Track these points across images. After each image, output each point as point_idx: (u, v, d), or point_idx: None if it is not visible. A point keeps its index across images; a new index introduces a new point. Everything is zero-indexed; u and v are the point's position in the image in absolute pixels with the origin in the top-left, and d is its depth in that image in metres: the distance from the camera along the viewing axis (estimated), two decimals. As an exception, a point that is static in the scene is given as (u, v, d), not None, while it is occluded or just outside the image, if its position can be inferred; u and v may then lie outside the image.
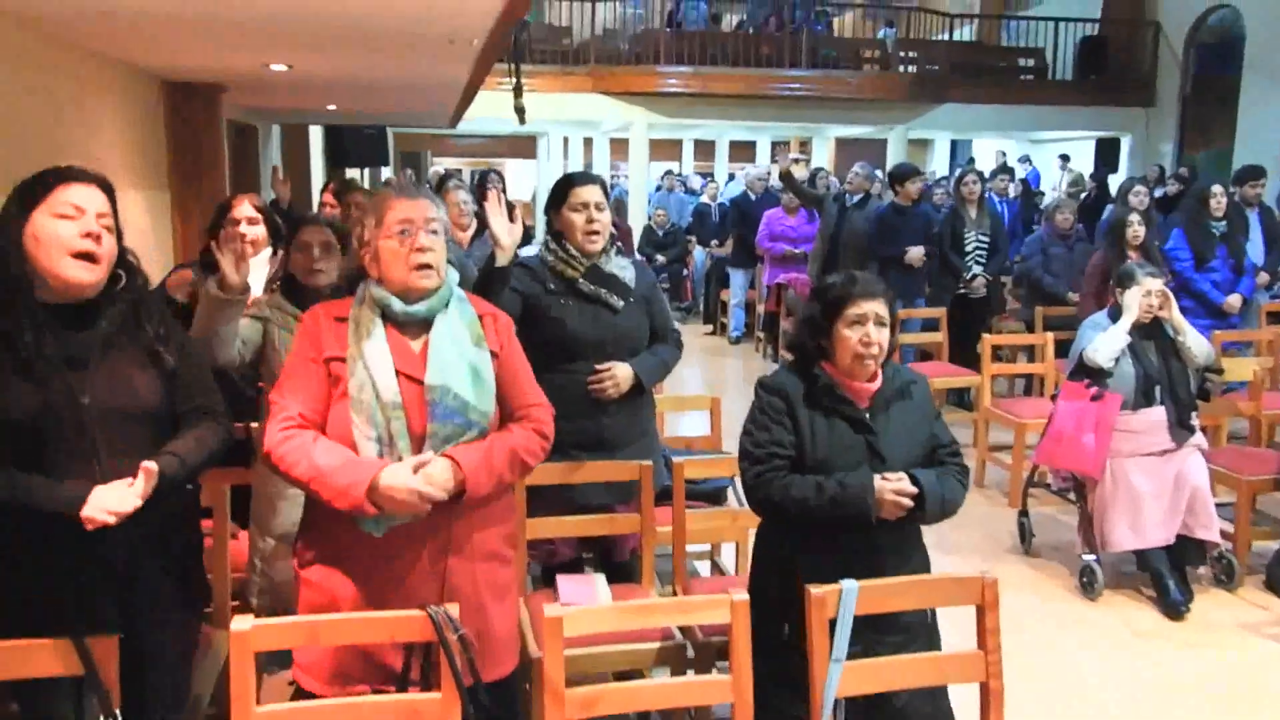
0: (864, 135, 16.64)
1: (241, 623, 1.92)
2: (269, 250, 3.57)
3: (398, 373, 2.09)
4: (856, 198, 7.75)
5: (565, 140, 18.80)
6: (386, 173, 15.74)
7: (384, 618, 1.98)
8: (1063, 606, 4.12)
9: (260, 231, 3.56)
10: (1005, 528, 4.84)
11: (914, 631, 2.32)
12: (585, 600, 2.77)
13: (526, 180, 22.02)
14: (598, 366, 3.04)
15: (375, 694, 2.06)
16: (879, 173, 11.70)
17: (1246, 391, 5.23)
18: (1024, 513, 4.73)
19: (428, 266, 2.13)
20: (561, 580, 2.93)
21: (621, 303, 3.11)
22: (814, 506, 2.30)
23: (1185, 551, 4.10)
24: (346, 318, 2.17)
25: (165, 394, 2.11)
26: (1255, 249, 6.94)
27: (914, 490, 2.32)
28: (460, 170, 21.18)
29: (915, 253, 6.76)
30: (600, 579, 2.97)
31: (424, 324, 2.17)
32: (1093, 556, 4.17)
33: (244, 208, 3.56)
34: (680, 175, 15.80)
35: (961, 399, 6.97)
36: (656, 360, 3.19)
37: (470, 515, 2.13)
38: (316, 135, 11.46)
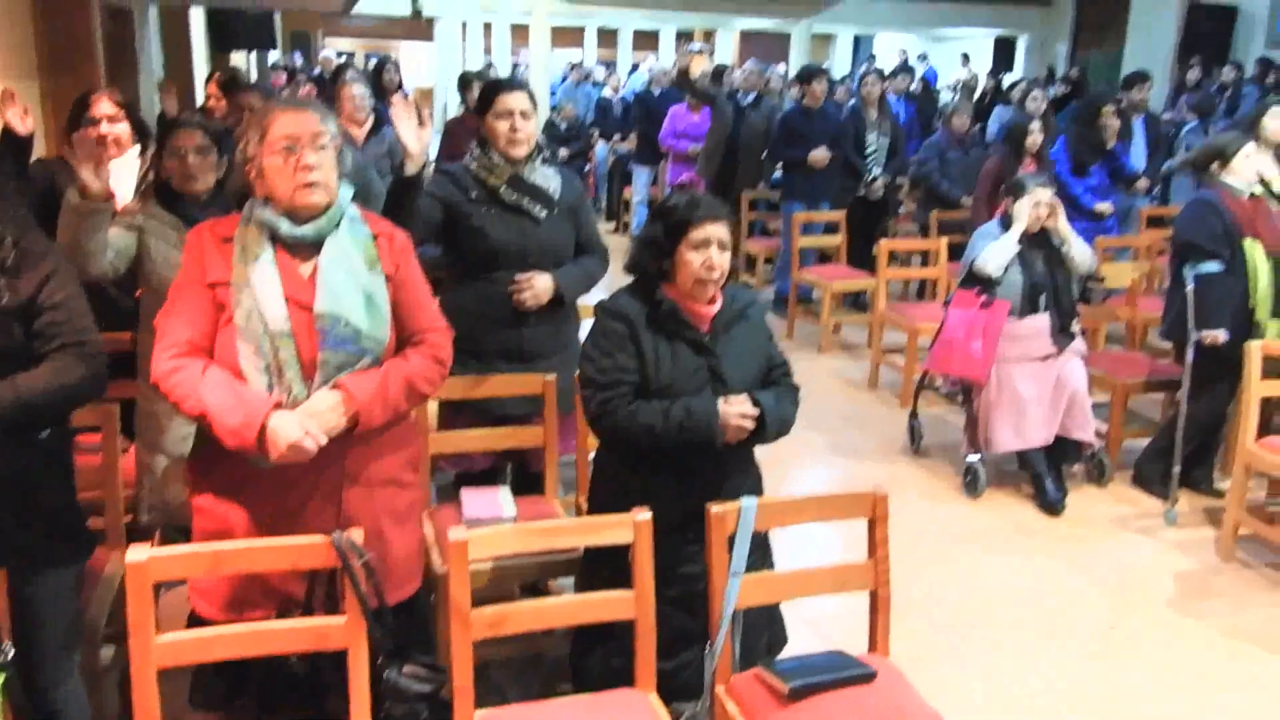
0: (769, 29, 16.45)
1: (138, 553, 1.88)
2: (136, 149, 3.33)
3: (286, 299, 2.03)
4: (751, 96, 7.70)
5: (464, 26, 18.12)
6: (274, 56, 14.99)
7: (287, 545, 1.97)
8: (948, 504, 4.32)
9: (123, 130, 3.30)
10: (898, 429, 5.01)
11: (755, 542, 2.37)
12: (488, 513, 2.80)
13: (424, 67, 21.22)
14: (518, 276, 3.04)
15: (278, 619, 2.06)
16: (780, 69, 11.63)
17: (1125, 297, 5.46)
18: (914, 414, 4.90)
19: (314, 184, 2.05)
20: (466, 494, 2.95)
21: (545, 213, 3.09)
22: (661, 433, 2.32)
23: (1062, 451, 4.32)
24: (233, 238, 2.08)
25: (10, 331, 1.95)
26: (1138, 155, 7.17)
27: (756, 412, 2.36)
28: (353, 56, 20.29)
29: (819, 154, 6.77)
30: (505, 490, 3.00)
31: (314, 246, 2.09)
32: (977, 457, 4.37)
33: (103, 105, 3.29)
34: (585, 68, 15.42)
35: (858, 301, 7.12)
36: (580, 272, 3.19)
37: (366, 444, 2.11)
38: (198, 17, 10.81)
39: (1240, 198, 4.09)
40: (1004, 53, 16.10)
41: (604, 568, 2.37)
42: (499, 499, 2.93)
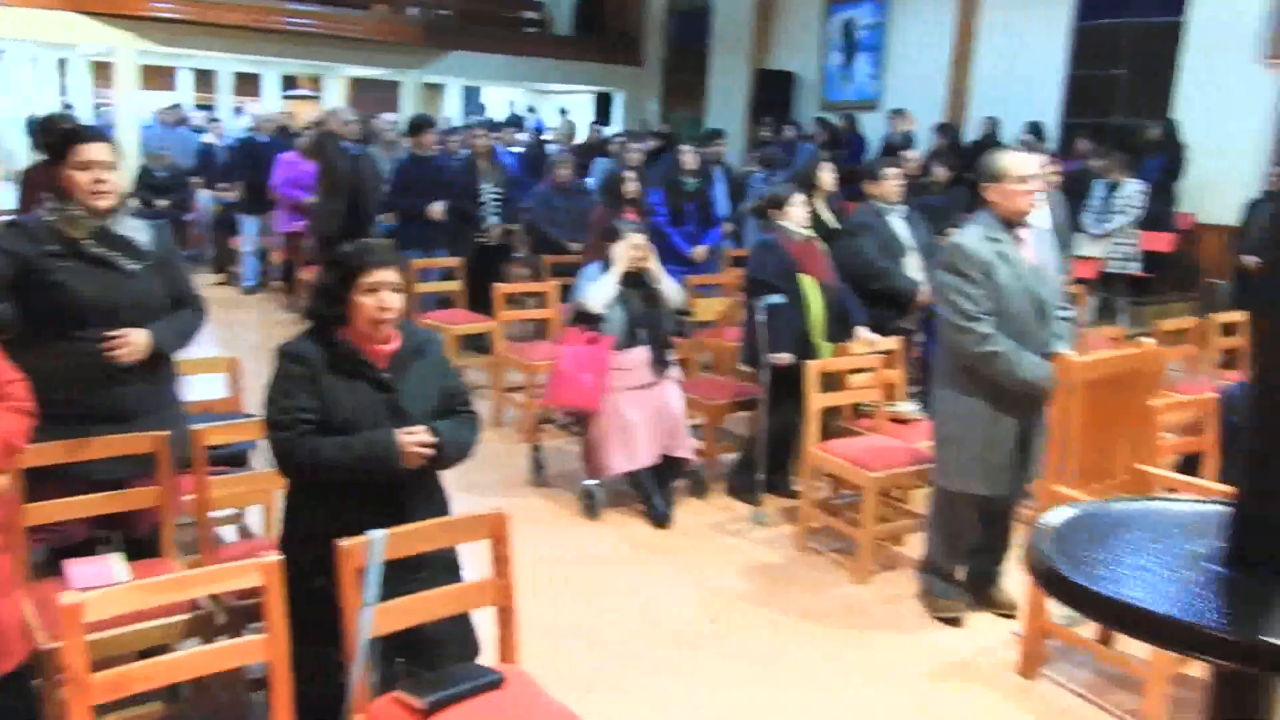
0: (378, 77, 16.47)
1: None
2: None
3: None
4: (357, 147, 7.76)
5: (34, 61, 16.39)
6: None
7: None
8: (571, 528, 4.63)
9: None
10: (521, 462, 5.28)
11: (437, 567, 2.55)
12: (99, 582, 2.66)
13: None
14: (108, 333, 2.90)
15: None
16: (391, 118, 11.69)
17: (713, 328, 6.14)
18: (536, 447, 5.20)
19: None
20: (69, 566, 2.76)
21: (135, 266, 2.97)
22: (343, 466, 2.45)
23: (667, 469, 4.79)
24: None
25: None
26: (721, 203, 8.08)
27: (434, 440, 2.54)
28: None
29: (437, 207, 6.98)
30: (116, 557, 2.85)
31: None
32: (594, 481, 4.73)
33: None
34: (180, 111, 14.53)
35: (481, 344, 7.35)
36: (177, 325, 3.11)
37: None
38: None
39: (794, 239, 4.80)
40: (604, 107, 17.30)
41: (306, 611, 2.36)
42: (110, 566, 2.77)
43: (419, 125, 7.36)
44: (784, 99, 13.46)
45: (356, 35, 13.99)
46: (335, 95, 16.99)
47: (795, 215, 4.82)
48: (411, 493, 2.59)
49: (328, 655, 2.31)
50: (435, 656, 2.49)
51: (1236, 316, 5.96)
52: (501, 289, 6.03)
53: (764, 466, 4.77)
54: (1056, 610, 3.61)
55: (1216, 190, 9.10)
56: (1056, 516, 1.10)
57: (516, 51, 15.59)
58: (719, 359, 6.12)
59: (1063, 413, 3.36)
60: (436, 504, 2.70)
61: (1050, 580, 0.98)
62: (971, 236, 3.63)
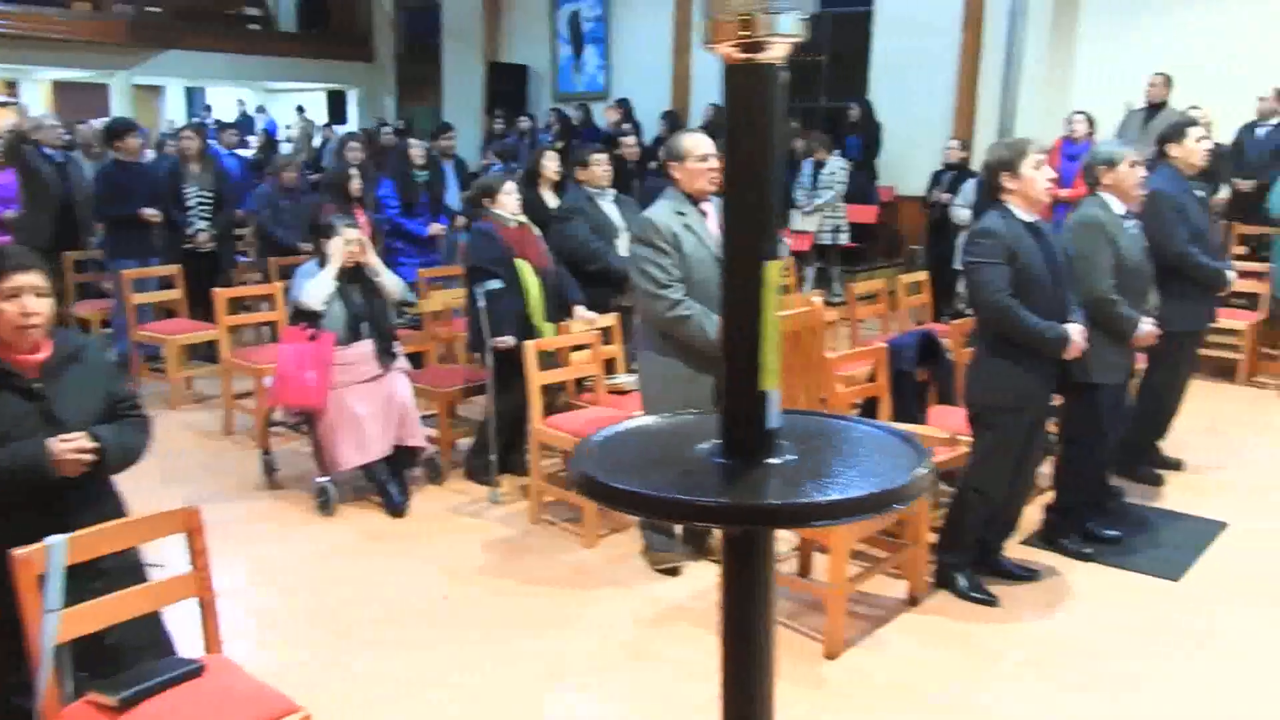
0: (83, 79, 15.37)
1: None
2: None
3: None
4: (60, 154, 7.32)
5: None
6: None
7: None
8: (306, 526, 4.62)
9: None
10: (255, 468, 5.19)
11: (117, 573, 2.51)
12: None
13: None
14: None
15: None
16: (99, 124, 10.99)
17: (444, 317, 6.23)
18: (267, 451, 5.13)
19: None
20: None
21: None
22: None
23: (402, 459, 4.86)
24: None
25: None
26: (453, 194, 8.17)
27: (94, 445, 2.51)
28: None
29: (150, 213, 6.69)
30: None
31: None
32: (326, 478, 4.74)
33: None
34: None
35: (211, 353, 7.11)
36: None
37: None
38: None
39: (509, 226, 4.97)
40: (338, 104, 16.89)
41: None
42: None
43: (118, 130, 7.00)
44: (519, 92, 13.64)
45: (56, 35, 13.02)
46: (36, 100, 15.75)
47: (507, 203, 4.99)
48: (76, 499, 2.53)
49: (14, 669, 2.28)
50: (122, 665, 2.47)
51: (921, 277, 6.66)
52: (222, 294, 5.87)
53: (496, 448, 4.92)
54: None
55: (910, 164, 10.03)
56: (596, 437, 1.31)
57: (240, 49, 14.99)
58: (451, 348, 6.22)
59: (744, 369, 3.70)
60: (108, 508, 2.65)
61: (587, 486, 1.18)
62: (660, 211, 3.92)
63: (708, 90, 11.70)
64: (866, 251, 10.29)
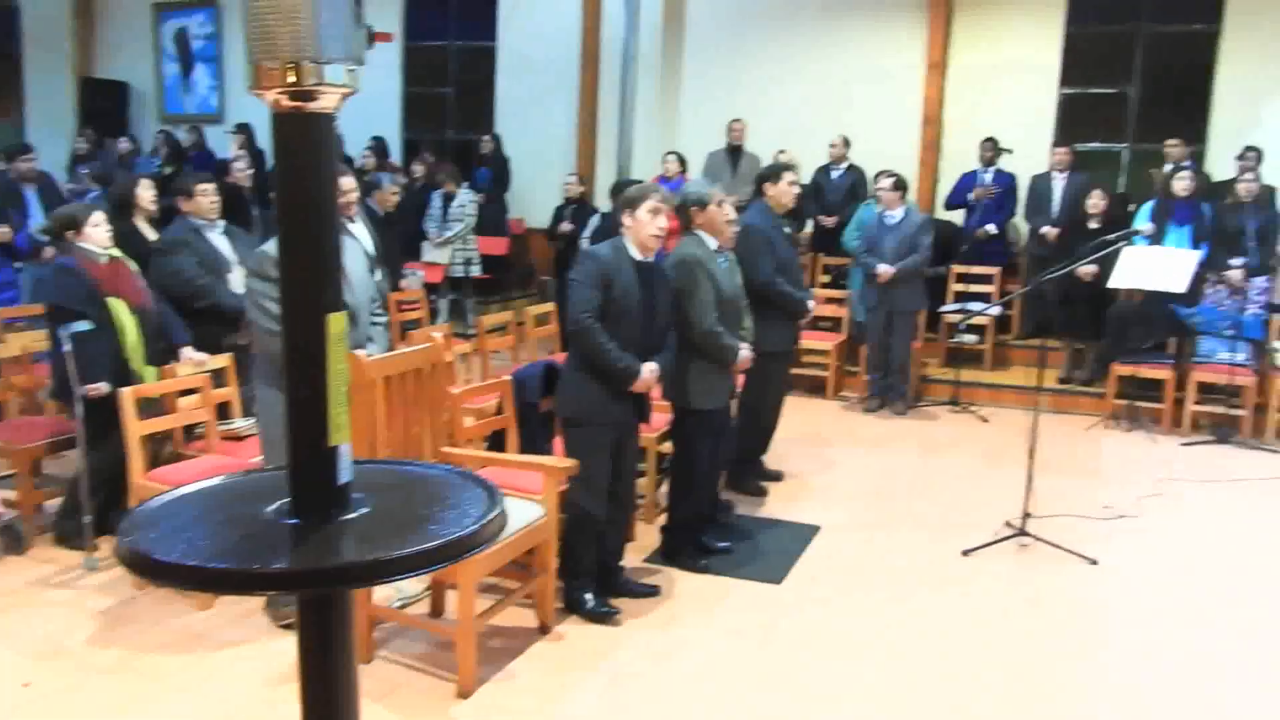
0: None
1: None
2: None
3: None
4: None
5: None
6: None
7: None
8: None
9: None
10: None
11: None
12: None
13: None
14: None
15: None
16: None
17: (20, 364, 5.52)
18: None
19: None
20: None
21: None
22: None
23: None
24: None
25: None
26: (38, 222, 7.30)
27: None
28: None
29: None
30: None
31: None
32: None
33: None
34: None
35: None
36: None
37: None
38: None
39: (98, 261, 4.51)
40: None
41: None
42: None
43: None
44: (118, 110, 12.47)
45: None
46: None
47: (95, 235, 4.53)
48: None
49: None
50: None
51: (550, 308, 6.85)
52: None
53: (90, 508, 4.42)
54: (388, 596, 3.89)
55: (537, 197, 10.32)
56: (151, 503, 1.21)
57: None
58: (34, 397, 5.52)
59: (364, 407, 3.60)
60: None
61: (131, 561, 1.08)
62: (275, 247, 3.73)
63: (332, 118, 11.36)
64: (501, 283, 10.45)
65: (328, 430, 1.12)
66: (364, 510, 1.18)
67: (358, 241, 4.61)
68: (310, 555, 1.11)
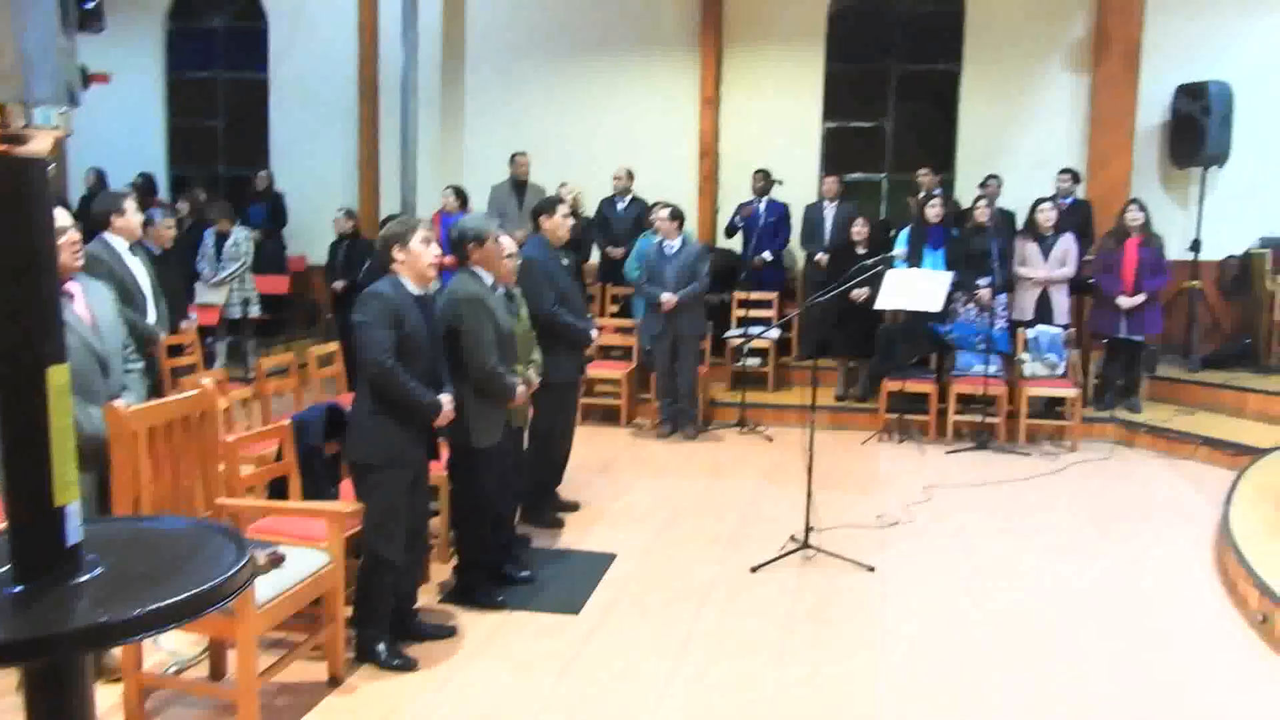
0: None
1: None
2: None
3: None
4: None
5: None
6: None
7: None
8: None
9: None
10: None
11: None
12: None
13: None
14: None
15: None
16: None
17: None
18: None
19: None
20: None
21: None
22: None
23: None
24: None
25: None
26: None
27: None
28: None
29: None
30: None
31: None
32: None
33: None
34: None
35: None
36: None
37: None
38: None
39: None
40: None
41: None
42: None
43: None
44: None
45: None
46: None
47: None
48: None
49: None
50: None
51: (332, 347, 6.64)
52: None
53: None
54: (162, 662, 3.66)
55: (318, 234, 10.03)
56: None
57: None
58: None
59: (125, 461, 3.38)
60: None
61: None
62: None
63: (90, 155, 10.66)
64: (283, 322, 10.07)
65: (52, 489, 1.06)
66: (99, 571, 1.11)
67: (103, 287, 4.34)
68: (32, 623, 1.04)
